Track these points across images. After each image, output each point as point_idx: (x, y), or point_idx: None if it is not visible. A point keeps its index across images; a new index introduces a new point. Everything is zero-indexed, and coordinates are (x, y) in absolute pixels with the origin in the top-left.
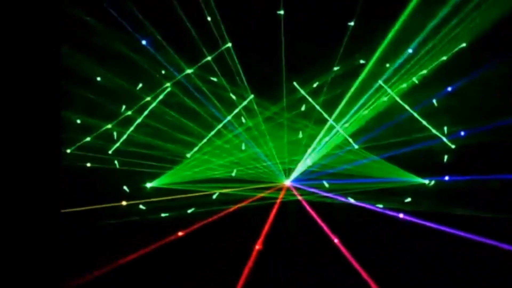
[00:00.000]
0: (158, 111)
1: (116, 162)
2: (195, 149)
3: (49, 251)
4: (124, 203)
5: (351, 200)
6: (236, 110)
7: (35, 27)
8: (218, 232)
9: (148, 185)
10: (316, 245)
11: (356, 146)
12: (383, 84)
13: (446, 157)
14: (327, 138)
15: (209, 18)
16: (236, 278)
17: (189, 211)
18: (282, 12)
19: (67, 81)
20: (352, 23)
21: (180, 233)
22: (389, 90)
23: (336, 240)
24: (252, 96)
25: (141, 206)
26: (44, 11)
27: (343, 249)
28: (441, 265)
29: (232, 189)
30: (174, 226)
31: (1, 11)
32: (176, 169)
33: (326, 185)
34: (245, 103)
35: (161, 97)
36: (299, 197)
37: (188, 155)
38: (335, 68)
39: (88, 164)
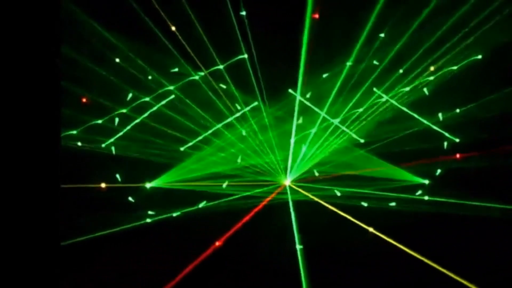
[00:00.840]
0: (158, 111)
1: (118, 176)
2: (189, 144)
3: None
4: (148, 220)
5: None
6: (238, 114)
7: (35, 27)
8: (247, 235)
9: (148, 185)
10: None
11: (362, 140)
12: (377, 91)
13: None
14: (325, 135)
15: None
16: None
17: (201, 205)
18: (244, 13)
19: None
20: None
21: (217, 243)
22: (382, 94)
23: (371, 229)
24: (256, 103)
25: (150, 212)
26: (44, 10)
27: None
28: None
29: (235, 190)
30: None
31: (1, 11)
32: (175, 169)
33: (316, 174)
34: (248, 108)
35: (163, 102)
36: (313, 197)
37: (182, 149)
38: (348, 63)
39: (103, 185)
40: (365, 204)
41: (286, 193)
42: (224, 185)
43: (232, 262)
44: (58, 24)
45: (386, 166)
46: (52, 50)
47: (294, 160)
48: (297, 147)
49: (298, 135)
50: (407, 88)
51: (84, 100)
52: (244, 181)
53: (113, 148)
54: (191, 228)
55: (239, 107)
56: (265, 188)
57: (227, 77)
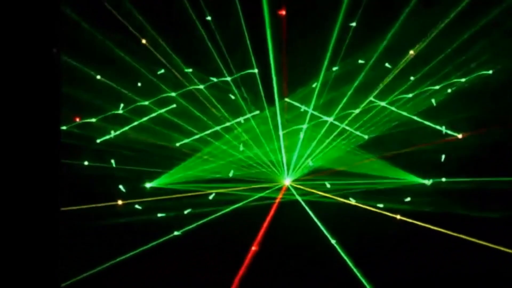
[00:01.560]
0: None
1: (121, 187)
2: (185, 140)
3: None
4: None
5: (352, 200)
6: (239, 119)
7: (33, 27)
8: (278, 237)
9: (148, 185)
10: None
11: (366, 137)
12: (374, 100)
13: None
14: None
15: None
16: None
17: (210, 197)
18: (209, 18)
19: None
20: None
21: (254, 248)
22: (380, 103)
23: (398, 217)
24: (257, 112)
25: (159, 215)
26: (43, 11)
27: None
28: (441, 266)
29: (235, 190)
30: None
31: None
32: (175, 169)
33: (310, 163)
34: (249, 115)
35: (165, 109)
36: (326, 194)
37: (177, 144)
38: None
39: (120, 202)
40: (353, 201)
41: (292, 193)
42: (230, 174)
43: (276, 264)
44: (57, 23)
45: (390, 172)
46: (51, 50)
47: (289, 160)
48: (292, 147)
49: (292, 136)
50: (410, 95)
51: (77, 119)
52: (245, 181)
53: (113, 162)
54: (214, 236)
55: (233, 97)
56: (268, 190)
57: (231, 83)
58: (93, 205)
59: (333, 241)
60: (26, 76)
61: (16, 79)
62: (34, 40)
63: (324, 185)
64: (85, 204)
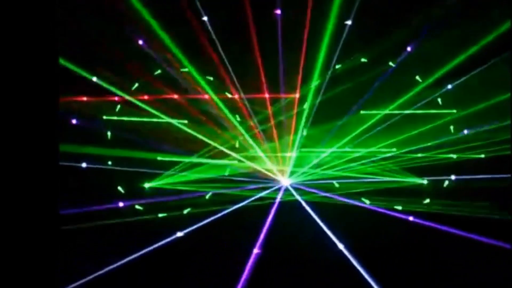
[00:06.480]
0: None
1: (120, 188)
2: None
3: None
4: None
5: (352, 201)
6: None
7: (32, 25)
8: (280, 240)
9: (147, 185)
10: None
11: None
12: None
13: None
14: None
15: None
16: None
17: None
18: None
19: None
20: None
21: (256, 250)
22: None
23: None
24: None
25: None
26: (41, 9)
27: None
28: (446, 266)
29: (234, 190)
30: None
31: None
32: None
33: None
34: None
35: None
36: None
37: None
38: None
39: (121, 204)
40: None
41: (292, 193)
42: (227, 173)
43: (281, 268)
44: (55, 21)
45: (390, 172)
46: (50, 49)
47: (290, 161)
48: (304, 149)
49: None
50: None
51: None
52: (244, 181)
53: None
54: (213, 237)
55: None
56: (268, 191)
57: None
58: (92, 206)
59: (340, 245)
60: (24, 75)
61: (14, 78)
62: (32, 39)
63: (324, 185)
64: (84, 205)
